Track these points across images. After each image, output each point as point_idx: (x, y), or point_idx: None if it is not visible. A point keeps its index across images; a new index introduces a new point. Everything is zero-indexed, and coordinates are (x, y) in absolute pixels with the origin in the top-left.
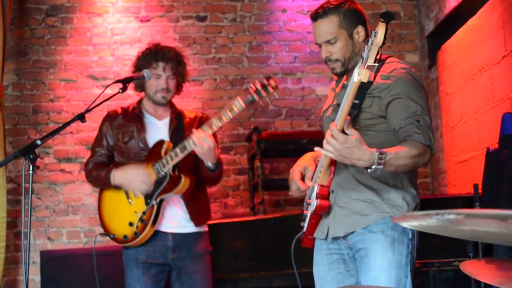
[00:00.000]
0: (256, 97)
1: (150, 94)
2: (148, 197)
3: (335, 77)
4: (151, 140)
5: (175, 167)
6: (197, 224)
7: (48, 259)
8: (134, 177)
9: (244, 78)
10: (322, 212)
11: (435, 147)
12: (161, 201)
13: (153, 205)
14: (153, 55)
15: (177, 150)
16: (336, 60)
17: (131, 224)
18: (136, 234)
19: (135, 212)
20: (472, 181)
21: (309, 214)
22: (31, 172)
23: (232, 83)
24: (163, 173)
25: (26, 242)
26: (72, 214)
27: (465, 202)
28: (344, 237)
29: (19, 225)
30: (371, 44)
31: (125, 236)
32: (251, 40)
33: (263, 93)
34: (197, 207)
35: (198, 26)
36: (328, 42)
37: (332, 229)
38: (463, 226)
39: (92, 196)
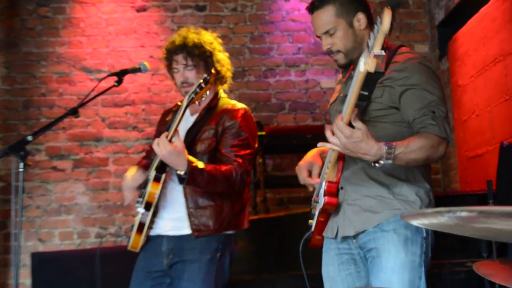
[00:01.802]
0: (193, 95)
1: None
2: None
3: (342, 69)
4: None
5: (162, 171)
6: (197, 235)
7: (40, 261)
8: (124, 186)
9: (245, 70)
10: (330, 210)
11: (451, 138)
12: (148, 207)
13: (138, 211)
14: (166, 50)
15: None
16: (338, 51)
17: (131, 227)
18: (128, 239)
19: (133, 216)
20: (485, 178)
21: (317, 212)
22: (21, 170)
23: (233, 75)
24: (148, 178)
25: (16, 243)
26: (65, 214)
27: (478, 199)
28: (355, 236)
29: (8, 226)
30: (377, 31)
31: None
32: (252, 30)
33: (198, 90)
34: (200, 216)
35: (197, 16)
36: (327, 33)
37: (341, 228)
38: (477, 224)
39: (86, 195)
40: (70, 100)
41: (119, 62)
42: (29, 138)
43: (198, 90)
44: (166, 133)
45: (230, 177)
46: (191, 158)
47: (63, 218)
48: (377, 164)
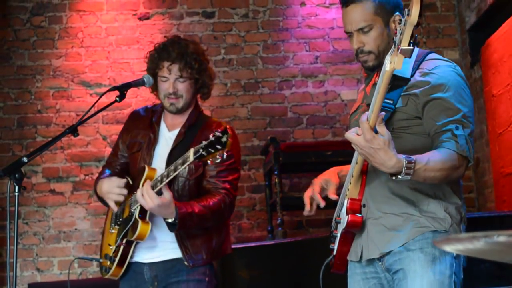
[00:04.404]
0: (204, 153)
1: (161, 99)
2: (118, 233)
3: (365, 74)
4: (157, 155)
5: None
6: (193, 265)
7: None
8: (108, 188)
9: (258, 82)
10: (354, 230)
11: (474, 158)
12: (130, 242)
13: (119, 245)
14: (157, 53)
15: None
16: (369, 52)
17: (105, 256)
18: (106, 270)
19: (109, 245)
20: None
21: (339, 234)
22: (16, 193)
23: (244, 87)
24: (132, 211)
25: (12, 274)
26: (64, 241)
27: None
28: (380, 259)
29: (3, 255)
30: (404, 24)
31: (103, 268)
32: (265, 38)
33: (211, 150)
34: (192, 245)
35: (204, 23)
36: (360, 30)
37: (365, 250)
38: None
39: (87, 220)
40: (68, 117)
41: (121, 75)
42: (25, 159)
43: (211, 149)
44: (149, 181)
45: (219, 210)
46: (178, 204)
47: (63, 245)
48: (393, 178)
